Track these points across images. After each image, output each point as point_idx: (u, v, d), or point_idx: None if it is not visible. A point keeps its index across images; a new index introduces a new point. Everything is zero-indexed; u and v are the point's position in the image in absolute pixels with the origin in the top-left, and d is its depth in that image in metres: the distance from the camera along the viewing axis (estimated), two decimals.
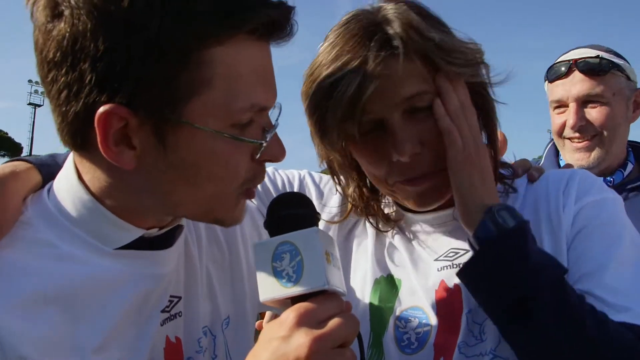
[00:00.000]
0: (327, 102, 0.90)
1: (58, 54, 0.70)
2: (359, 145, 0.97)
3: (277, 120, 0.82)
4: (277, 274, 0.74)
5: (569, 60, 1.74)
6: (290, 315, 0.72)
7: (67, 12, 0.68)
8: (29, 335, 0.72)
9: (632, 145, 1.83)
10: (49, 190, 0.84)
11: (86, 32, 0.67)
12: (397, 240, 1.09)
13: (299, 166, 1.31)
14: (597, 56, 1.70)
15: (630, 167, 1.77)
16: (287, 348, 0.69)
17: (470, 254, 0.93)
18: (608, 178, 1.72)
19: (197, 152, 0.74)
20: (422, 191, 0.96)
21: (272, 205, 0.82)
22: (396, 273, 1.07)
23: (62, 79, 0.71)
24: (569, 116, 1.72)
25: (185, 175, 0.76)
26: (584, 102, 1.72)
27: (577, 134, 1.72)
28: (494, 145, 1.03)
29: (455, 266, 0.99)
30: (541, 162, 1.93)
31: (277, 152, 0.82)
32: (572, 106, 1.72)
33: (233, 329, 1.03)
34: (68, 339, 0.75)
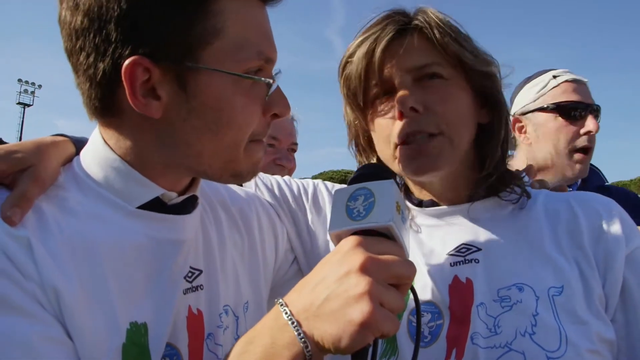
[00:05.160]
0: (352, 60, 1.07)
1: (85, 21, 0.79)
2: (376, 108, 1.08)
3: (276, 74, 0.91)
4: (349, 211, 0.80)
5: None
6: (348, 240, 0.76)
7: None
8: (60, 278, 0.77)
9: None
10: (77, 160, 0.93)
11: None
12: None
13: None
14: None
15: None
16: (341, 264, 0.72)
17: (483, 252, 1.01)
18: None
19: (217, 96, 0.82)
20: (416, 155, 1.02)
21: (360, 167, 0.92)
22: None
23: (90, 42, 0.79)
24: None
25: (206, 121, 0.83)
26: None
27: None
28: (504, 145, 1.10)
29: (467, 261, 1.02)
30: None
31: (283, 106, 0.91)
32: None
33: (252, 314, 1.06)
34: (95, 292, 0.81)
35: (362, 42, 1.05)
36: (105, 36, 0.78)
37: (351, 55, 1.07)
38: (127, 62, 0.78)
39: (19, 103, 74.45)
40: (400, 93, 1.02)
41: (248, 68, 0.84)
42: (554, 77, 1.93)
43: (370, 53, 1.04)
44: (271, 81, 0.87)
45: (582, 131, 1.86)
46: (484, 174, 1.06)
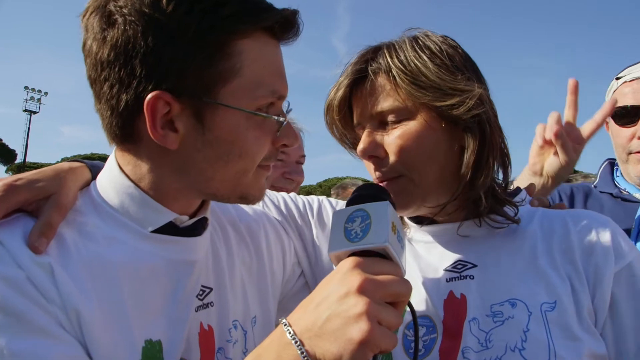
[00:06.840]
0: (331, 107, 1.13)
1: (112, 54, 0.82)
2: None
3: (287, 110, 0.97)
4: (347, 232, 0.83)
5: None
6: (347, 262, 0.79)
7: (120, 20, 0.81)
8: (81, 299, 0.81)
9: None
10: (94, 185, 0.97)
11: (137, 34, 0.81)
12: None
13: None
14: None
15: None
16: (341, 284, 0.76)
17: (478, 268, 1.02)
18: None
19: (231, 130, 0.87)
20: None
21: (358, 188, 0.94)
22: None
23: (115, 75, 0.83)
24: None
25: (219, 152, 0.88)
26: None
27: None
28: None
29: (463, 277, 1.04)
30: (595, 181, 1.94)
31: (291, 137, 0.96)
32: None
33: (260, 328, 1.11)
34: (113, 311, 0.85)
35: (337, 91, 1.10)
36: (131, 70, 0.82)
37: (330, 103, 1.13)
38: (150, 96, 0.82)
39: (25, 110, 74.89)
40: (362, 140, 1.07)
41: (262, 105, 0.88)
42: (617, 78, 1.84)
43: (342, 101, 1.10)
44: (283, 119, 0.92)
45: (637, 135, 1.73)
46: (453, 197, 1.03)
